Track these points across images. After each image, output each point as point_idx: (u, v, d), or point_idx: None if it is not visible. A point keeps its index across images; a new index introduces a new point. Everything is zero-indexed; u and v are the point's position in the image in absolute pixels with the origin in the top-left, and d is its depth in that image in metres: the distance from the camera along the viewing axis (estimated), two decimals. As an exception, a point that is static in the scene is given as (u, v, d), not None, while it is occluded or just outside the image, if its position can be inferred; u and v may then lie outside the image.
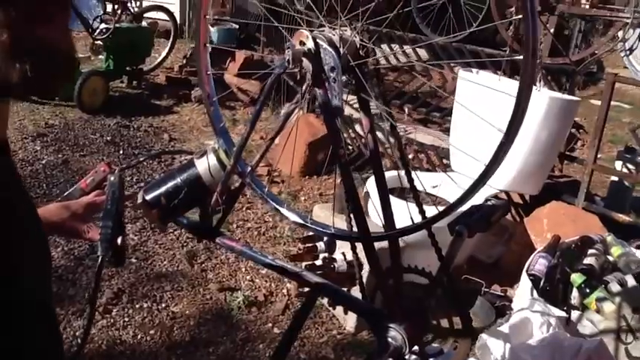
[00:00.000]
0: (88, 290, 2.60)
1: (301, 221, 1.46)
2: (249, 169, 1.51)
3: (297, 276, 1.37)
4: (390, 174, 1.62)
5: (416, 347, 1.32)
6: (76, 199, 1.40)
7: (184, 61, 6.11)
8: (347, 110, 3.58)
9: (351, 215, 1.31)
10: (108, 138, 4.48)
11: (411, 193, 1.37)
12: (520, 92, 1.03)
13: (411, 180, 1.31)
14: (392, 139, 1.38)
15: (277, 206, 1.51)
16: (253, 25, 6.56)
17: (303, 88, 1.32)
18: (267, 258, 1.48)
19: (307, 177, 4.06)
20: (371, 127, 1.29)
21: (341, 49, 1.22)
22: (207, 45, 1.52)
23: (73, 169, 3.86)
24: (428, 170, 3.79)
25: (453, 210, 1.15)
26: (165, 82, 5.96)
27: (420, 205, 1.28)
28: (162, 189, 1.49)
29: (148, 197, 1.50)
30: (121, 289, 2.70)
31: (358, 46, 1.26)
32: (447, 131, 4.35)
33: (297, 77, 1.27)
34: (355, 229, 1.33)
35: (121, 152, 4.26)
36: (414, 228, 1.23)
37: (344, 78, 1.25)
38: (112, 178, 1.37)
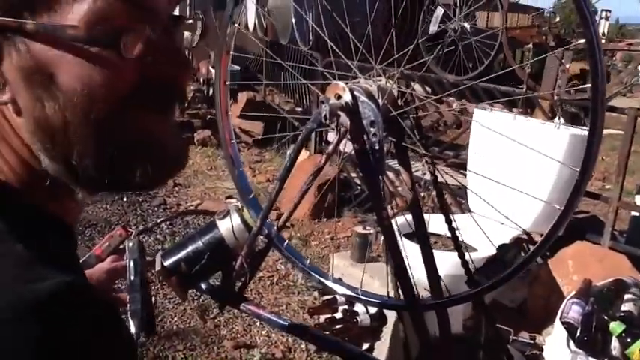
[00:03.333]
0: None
1: (352, 294, 1.35)
2: (275, 228, 1.40)
3: (337, 348, 1.24)
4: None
5: None
6: (92, 266, 1.28)
7: (185, 104, 6.05)
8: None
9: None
10: (110, 185, 4.37)
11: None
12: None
13: (456, 241, 1.20)
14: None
15: (321, 278, 1.39)
16: (254, 65, 6.53)
17: (335, 141, 1.22)
18: (300, 326, 1.36)
19: (317, 220, 3.94)
20: (412, 183, 1.19)
21: (380, 100, 1.12)
22: (229, 113, 1.42)
23: (80, 221, 3.73)
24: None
25: (517, 273, 1.03)
26: (167, 126, 5.88)
27: (468, 271, 1.17)
28: (182, 253, 1.37)
29: (167, 263, 1.37)
30: (130, 350, 2.55)
31: (397, 94, 1.17)
32: (452, 167, 4.24)
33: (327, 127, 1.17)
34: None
35: (125, 200, 4.15)
36: (467, 296, 1.11)
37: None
38: (131, 245, 1.23)
